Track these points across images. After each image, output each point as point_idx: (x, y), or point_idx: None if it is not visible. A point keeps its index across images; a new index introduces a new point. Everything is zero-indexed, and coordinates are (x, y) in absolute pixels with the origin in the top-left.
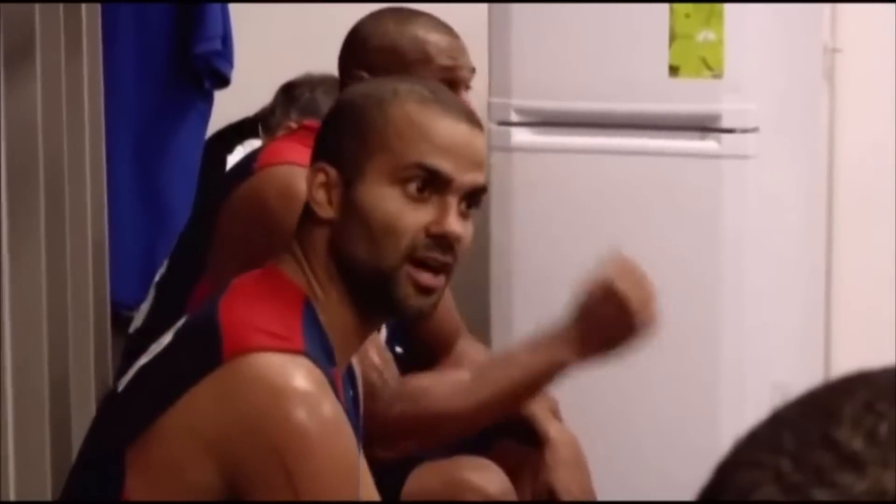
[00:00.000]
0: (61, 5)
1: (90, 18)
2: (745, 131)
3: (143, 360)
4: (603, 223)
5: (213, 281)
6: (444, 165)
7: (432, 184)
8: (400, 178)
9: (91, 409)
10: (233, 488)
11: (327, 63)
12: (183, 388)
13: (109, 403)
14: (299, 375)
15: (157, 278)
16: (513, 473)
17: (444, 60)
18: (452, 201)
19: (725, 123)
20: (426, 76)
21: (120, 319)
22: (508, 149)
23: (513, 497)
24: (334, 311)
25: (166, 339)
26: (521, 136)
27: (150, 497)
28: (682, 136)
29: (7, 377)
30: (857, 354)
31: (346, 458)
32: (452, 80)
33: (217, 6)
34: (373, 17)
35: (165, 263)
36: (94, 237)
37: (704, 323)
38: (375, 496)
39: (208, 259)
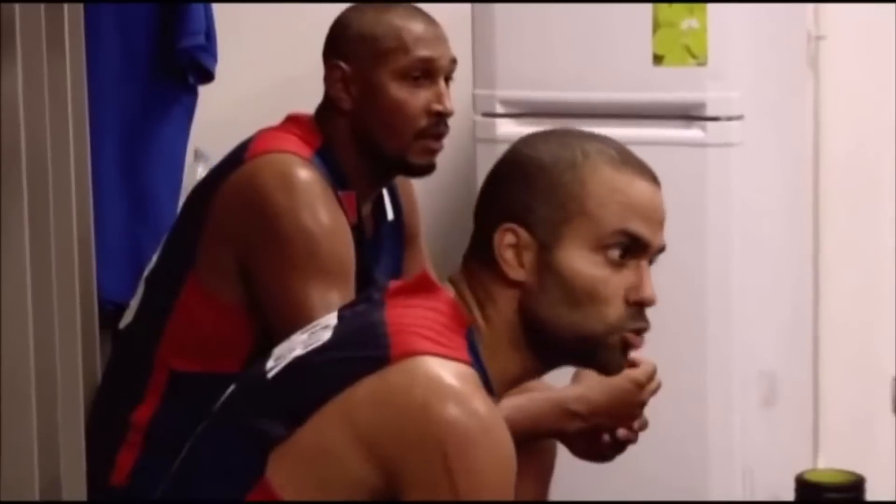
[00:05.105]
0: (42, 3)
1: (72, 15)
2: (729, 119)
3: (297, 351)
4: None
5: (205, 272)
6: (644, 231)
7: (631, 249)
8: (603, 245)
9: (79, 407)
10: (391, 485)
11: (310, 57)
12: (346, 382)
13: (257, 389)
14: (466, 380)
15: (146, 273)
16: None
17: (422, 50)
18: (646, 265)
19: (710, 112)
20: (403, 65)
21: (108, 315)
22: (494, 140)
23: None
24: (504, 364)
25: (324, 334)
26: (506, 127)
27: (295, 482)
28: (666, 124)
29: None
30: (845, 343)
31: (506, 458)
32: (430, 70)
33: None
34: (354, 7)
35: (155, 258)
36: (80, 234)
37: (690, 311)
38: None
39: (198, 251)
